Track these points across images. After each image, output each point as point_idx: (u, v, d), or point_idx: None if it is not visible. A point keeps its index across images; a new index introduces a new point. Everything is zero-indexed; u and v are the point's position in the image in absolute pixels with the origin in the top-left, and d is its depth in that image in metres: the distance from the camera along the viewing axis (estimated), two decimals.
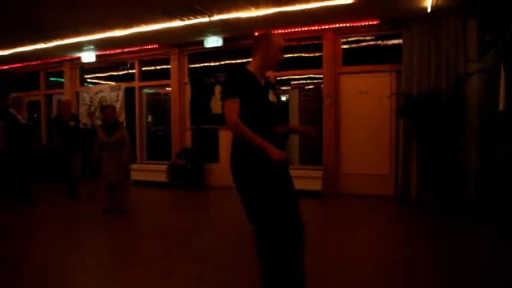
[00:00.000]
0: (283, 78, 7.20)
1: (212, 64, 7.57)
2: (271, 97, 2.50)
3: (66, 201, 6.07)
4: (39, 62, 8.83)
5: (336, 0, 4.98)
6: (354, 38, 6.40)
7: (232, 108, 2.27)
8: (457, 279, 2.95)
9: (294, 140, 7.13)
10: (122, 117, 8.07)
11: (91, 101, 8.45)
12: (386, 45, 6.30)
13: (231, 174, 2.44)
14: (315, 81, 7.18)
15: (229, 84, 2.42)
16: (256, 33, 6.46)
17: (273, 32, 2.58)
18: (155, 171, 7.44)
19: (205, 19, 5.70)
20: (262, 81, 2.48)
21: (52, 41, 7.00)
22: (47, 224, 4.84)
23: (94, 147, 5.08)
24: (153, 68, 8.24)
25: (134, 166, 7.61)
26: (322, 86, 6.47)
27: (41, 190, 6.80)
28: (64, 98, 7.43)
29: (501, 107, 3.89)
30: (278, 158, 2.23)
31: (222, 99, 2.40)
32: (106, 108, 5.22)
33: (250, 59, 2.50)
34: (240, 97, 2.29)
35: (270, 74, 6.71)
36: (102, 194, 5.19)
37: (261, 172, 2.32)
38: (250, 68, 2.47)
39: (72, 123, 6.22)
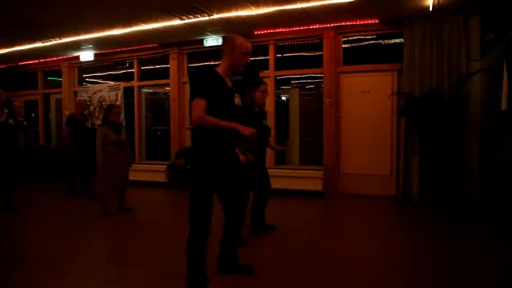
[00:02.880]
0: (284, 77, 7.15)
1: (212, 63, 7.51)
2: (237, 100, 2.65)
3: (60, 202, 6.02)
4: (37, 61, 8.78)
5: None
6: (354, 37, 6.37)
7: (199, 106, 2.40)
8: (458, 279, 2.92)
9: (295, 140, 7.09)
10: (121, 117, 8.02)
11: (90, 101, 8.40)
12: (388, 44, 6.28)
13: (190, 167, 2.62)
14: (316, 80, 7.14)
15: (197, 86, 2.51)
16: (256, 32, 6.45)
17: (238, 35, 2.67)
18: (154, 172, 7.39)
19: (205, 18, 5.66)
20: (230, 83, 2.61)
21: (50, 40, 6.96)
22: (43, 226, 4.78)
23: (99, 147, 4.90)
24: (152, 67, 8.19)
25: (133, 166, 7.55)
26: (322, 85, 6.43)
27: (36, 190, 6.78)
28: (78, 98, 7.40)
29: (503, 107, 3.85)
30: (250, 132, 2.40)
31: (190, 99, 2.49)
32: (113, 107, 5.11)
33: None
34: (207, 98, 2.41)
35: (271, 73, 6.70)
36: (109, 194, 5.10)
37: (212, 168, 2.51)
38: (219, 70, 2.60)
39: (86, 124, 6.25)
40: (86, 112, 6.69)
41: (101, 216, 5.00)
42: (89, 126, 6.29)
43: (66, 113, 8.75)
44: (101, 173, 5.00)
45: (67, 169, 6.48)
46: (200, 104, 2.41)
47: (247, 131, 2.40)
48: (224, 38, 2.71)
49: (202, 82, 2.51)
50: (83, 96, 8.50)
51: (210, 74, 2.56)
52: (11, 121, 5.20)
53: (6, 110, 5.24)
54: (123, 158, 5.06)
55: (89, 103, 8.42)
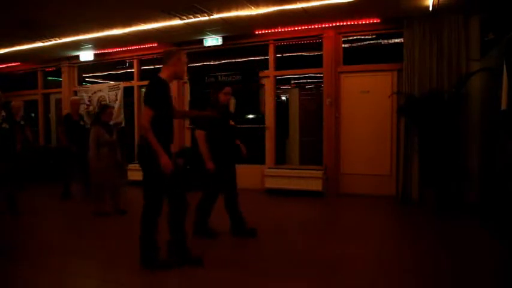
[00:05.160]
0: (284, 77, 7.15)
1: (212, 63, 7.52)
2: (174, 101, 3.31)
3: (60, 202, 6.00)
4: (36, 60, 8.76)
5: None
6: (354, 37, 6.36)
7: (149, 115, 2.90)
8: (458, 279, 2.92)
9: (295, 140, 7.09)
10: (121, 117, 8.04)
11: (89, 101, 8.40)
12: (388, 44, 6.27)
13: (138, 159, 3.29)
14: (316, 80, 7.14)
15: (152, 96, 2.97)
16: (256, 32, 6.46)
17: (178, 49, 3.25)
18: None
19: (205, 18, 5.66)
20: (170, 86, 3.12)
21: (50, 40, 6.95)
22: (43, 227, 4.78)
23: (92, 147, 4.92)
24: (152, 67, 8.19)
25: (132, 166, 7.55)
26: (322, 85, 6.43)
27: (36, 191, 6.76)
28: (73, 97, 7.38)
29: (503, 107, 3.85)
30: (163, 163, 2.92)
31: (144, 103, 2.95)
32: (107, 108, 5.20)
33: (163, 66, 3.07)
34: (156, 109, 2.92)
35: (271, 73, 6.71)
36: (101, 194, 5.08)
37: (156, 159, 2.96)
38: (164, 76, 3.04)
39: (82, 123, 6.22)
40: (81, 111, 6.66)
41: (94, 216, 4.94)
42: (84, 125, 6.24)
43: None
44: (92, 172, 5.01)
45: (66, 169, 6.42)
46: (149, 113, 2.89)
47: (162, 160, 2.93)
48: (168, 50, 3.13)
49: (156, 93, 2.96)
50: (83, 96, 8.51)
51: (161, 85, 2.99)
52: (5, 125, 5.07)
53: (3, 113, 5.10)
54: (113, 159, 5.05)
55: (88, 103, 8.43)
